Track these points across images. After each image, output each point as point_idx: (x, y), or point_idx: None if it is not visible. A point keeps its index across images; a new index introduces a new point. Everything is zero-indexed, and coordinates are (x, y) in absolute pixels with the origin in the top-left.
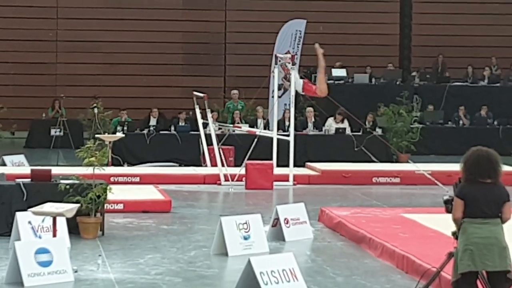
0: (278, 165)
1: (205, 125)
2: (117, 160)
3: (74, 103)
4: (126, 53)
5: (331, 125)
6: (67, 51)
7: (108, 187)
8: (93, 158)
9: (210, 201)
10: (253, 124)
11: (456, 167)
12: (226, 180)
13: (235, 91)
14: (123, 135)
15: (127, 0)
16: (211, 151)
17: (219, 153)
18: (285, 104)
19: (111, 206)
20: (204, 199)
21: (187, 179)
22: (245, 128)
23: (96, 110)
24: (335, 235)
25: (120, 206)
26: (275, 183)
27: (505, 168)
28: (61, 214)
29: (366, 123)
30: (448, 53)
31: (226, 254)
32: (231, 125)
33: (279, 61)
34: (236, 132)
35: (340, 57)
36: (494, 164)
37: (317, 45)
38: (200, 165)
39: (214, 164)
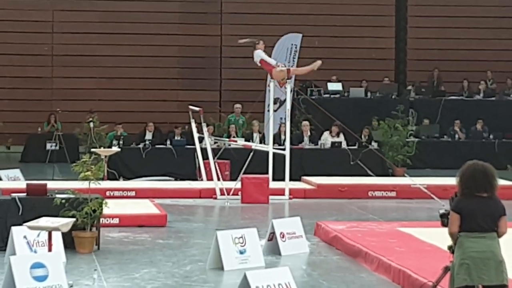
0: (274, 179)
1: (201, 139)
2: (112, 174)
3: (70, 117)
4: (121, 67)
5: (327, 139)
6: (63, 66)
7: (103, 202)
8: (88, 172)
9: (205, 215)
10: (249, 138)
11: (452, 181)
12: (222, 194)
13: (238, 105)
14: (119, 149)
15: (123, 14)
16: (207, 165)
17: (215, 167)
18: (281, 118)
19: (107, 220)
20: (200, 213)
21: (182, 193)
22: (241, 142)
23: (91, 124)
24: (331, 249)
25: (116, 221)
26: (271, 197)
27: (501, 182)
28: (56, 229)
29: (362, 137)
30: (444, 67)
31: (222, 268)
32: (227, 139)
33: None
34: (232, 146)
35: (335, 71)
36: (490, 178)
37: (319, 63)
38: (196, 179)
39: (210, 178)
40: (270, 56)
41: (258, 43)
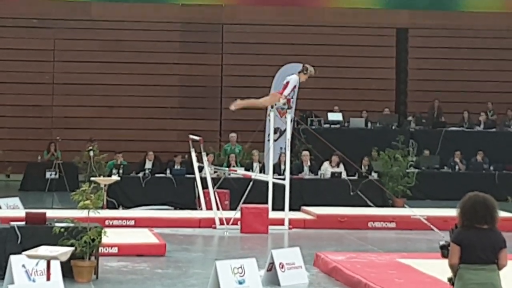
0: (273, 209)
1: (201, 169)
2: (112, 203)
3: (69, 146)
4: (122, 96)
5: (326, 169)
6: (64, 94)
7: (102, 230)
8: (88, 201)
9: (205, 245)
10: (249, 168)
11: (452, 212)
12: (221, 223)
13: (234, 134)
14: (119, 178)
15: (123, 43)
16: (206, 195)
17: (215, 196)
18: (281, 148)
19: (106, 249)
20: (199, 243)
21: (182, 223)
22: (240, 171)
23: (91, 153)
24: (331, 280)
25: (115, 250)
26: (270, 227)
27: (502, 214)
28: (55, 258)
29: (362, 167)
30: (444, 98)
31: None
32: (227, 169)
33: (275, 104)
34: (232, 175)
35: (336, 101)
36: (491, 210)
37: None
38: (195, 209)
39: (209, 208)
40: (270, 86)
41: (305, 73)
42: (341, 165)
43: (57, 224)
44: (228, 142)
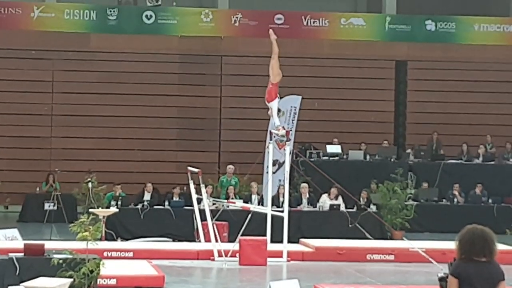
0: (272, 241)
1: (199, 201)
2: (110, 235)
3: (68, 177)
4: (120, 127)
5: (325, 201)
6: (62, 125)
7: (101, 262)
8: (86, 233)
9: (203, 276)
10: (247, 200)
11: (450, 245)
12: (220, 255)
13: (231, 166)
14: (117, 210)
15: (122, 75)
16: (205, 227)
17: (213, 228)
18: (280, 180)
19: (104, 281)
20: (198, 275)
21: (180, 255)
22: (239, 203)
23: (90, 185)
24: None
25: (113, 282)
26: (268, 259)
27: (500, 246)
28: None
29: (361, 199)
30: (443, 131)
31: None
32: (225, 201)
33: (274, 137)
34: (230, 207)
35: (334, 133)
36: (489, 243)
37: (271, 31)
38: (194, 241)
39: (208, 240)
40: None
41: None
42: (340, 198)
43: (55, 256)
44: (225, 174)
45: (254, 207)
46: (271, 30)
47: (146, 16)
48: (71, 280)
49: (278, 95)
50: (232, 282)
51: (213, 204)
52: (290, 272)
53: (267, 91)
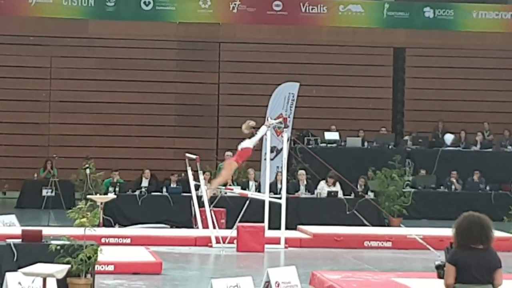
0: (269, 228)
1: (197, 187)
2: (108, 221)
3: (66, 164)
4: (118, 114)
5: (323, 188)
6: (60, 112)
7: (99, 248)
8: (84, 219)
9: (201, 263)
10: (245, 187)
11: (448, 232)
12: (218, 242)
13: (229, 153)
14: (115, 196)
15: (120, 61)
16: (202, 213)
17: (211, 215)
18: (277, 167)
19: (102, 267)
20: (195, 261)
21: (178, 241)
22: (237, 190)
23: (88, 171)
24: None
25: (111, 268)
26: (266, 245)
27: (497, 233)
28: (51, 275)
29: (358, 186)
30: (441, 118)
31: None
32: (223, 187)
33: (271, 124)
34: (228, 194)
35: (332, 120)
36: (486, 230)
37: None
38: (192, 227)
39: (205, 226)
40: (267, 105)
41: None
42: (338, 184)
43: (53, 242)
44: (223, 161)
45: (252, 193)
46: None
47: (144, 2)
48: (68, 266)
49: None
50: (230, 268)
51: None
52: (287, 259)
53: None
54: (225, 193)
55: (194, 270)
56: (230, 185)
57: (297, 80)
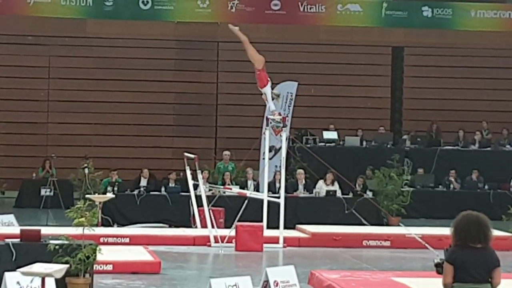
0: (268, 227)
1: (196, 186)
2: (107, 220)
3: (64, 163)
4: (117, 113)
5: (321, 187)
6: (59, 111)
7: (97, 248)
8: (83, 219)
9: (199, 262)
10: (244, 186)
11: (446, 231)
12: (216, 241)
13: (227, 152)
14: (113, 196)
15: (119, 60)
16: (201, 213)
17: (209, 214)
18: (276, 166)
19: (100, 267)
20: (194, 261)
21: (177, 240)
22: (235, 189)
23: (86, 170)
24: None
25: (109, 267)
26: (265, 245)
27: (496, 232)
28: (50, 275)
29: (357, 185)
30: (439, 117)
31: None
32: (222, 187)
33: (270, 122)
34: (227, 193)
35: (331, 119)
36: (484, 229)
37: (230, 26)
38: (190, 227)
39: (204, 226)
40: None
41: None
42: (336, 184)
43: (51, 241)
44: (221, 160)
45: (250, 193)
46: (230, 25)
47: (143, 2)
48: (67, 265)
49: (269, 79)
50: (228, 268)
51: (210, 190)
52: (286, 258)
53: (257, 78)
54: (224, 192)
55: (192, 270)
56: (228, 184)
57: (296, 79)
